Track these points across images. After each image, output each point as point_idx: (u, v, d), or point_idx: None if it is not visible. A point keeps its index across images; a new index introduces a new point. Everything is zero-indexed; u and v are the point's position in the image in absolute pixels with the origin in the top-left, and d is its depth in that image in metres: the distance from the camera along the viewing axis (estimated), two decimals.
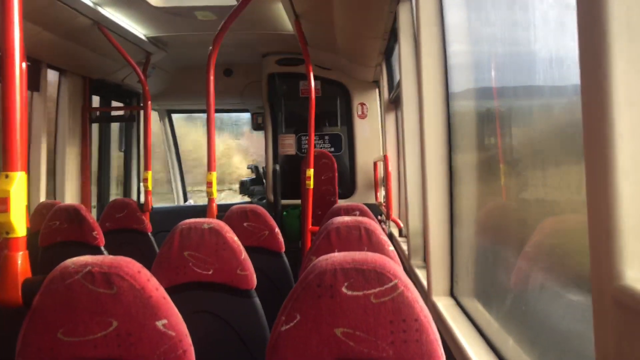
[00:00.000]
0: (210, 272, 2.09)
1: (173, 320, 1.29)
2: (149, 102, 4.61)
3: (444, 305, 1.93)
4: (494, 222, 1.70)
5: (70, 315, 1.27)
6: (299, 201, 4.73)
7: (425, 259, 2.19)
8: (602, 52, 0.69)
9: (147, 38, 4.42)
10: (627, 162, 0.68)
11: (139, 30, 4.27)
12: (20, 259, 1.44)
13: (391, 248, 1.90)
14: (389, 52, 3.96)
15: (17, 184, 1.43)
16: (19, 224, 1.44)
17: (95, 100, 5.11)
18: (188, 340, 1.32)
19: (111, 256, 1.32)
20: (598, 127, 0.71)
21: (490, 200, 1.76)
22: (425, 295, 2.15)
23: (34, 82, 3.99)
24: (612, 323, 0.67)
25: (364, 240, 1.87)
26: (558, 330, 1.20)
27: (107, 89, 5.14)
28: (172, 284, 2.07)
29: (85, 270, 1.27)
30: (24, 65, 1.49)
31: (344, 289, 1.21)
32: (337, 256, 1.25)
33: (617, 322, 0.66)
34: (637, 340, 0.63)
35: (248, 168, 6.37)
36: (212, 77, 3.36)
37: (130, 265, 1.30)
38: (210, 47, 3.41)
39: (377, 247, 1.86)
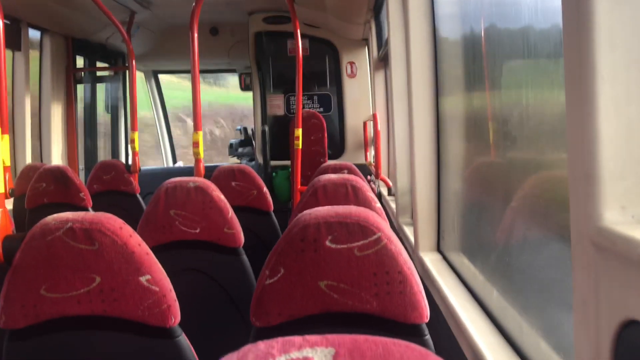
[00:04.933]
0: (197, 231, 2.08)
1: (156, 275, 1.29)
2: (134, 62, 4.52)
3: (431, 260, 1.94)
4: (481, 178, 1.70)
5: (52, 272, 1.26)
6: (288, 162, 4.70)
7: (413, 216, 2.20)
8: None
9: None
10: (608, 103, 0.67)
11: None
12: (0, 216, 1.43)
13: (378, 205, 1.90)
14: (378, 8, 3.88)
15: None
16: None
17: (80, 62, 5.01)
18: (172, 295, 1.31)
19: (93, 212, 1.31)
20: (579, 70, 0.69)
21: (478, 157, 1.76)
22: (413, 251, 2.16)
23: (15, 41, 3.90)
24: (590, 265, 0.67)
25: (351, 197, 1.87)
26: (542, 280, 1.20)
27: (91, 49, 5.03)
28: (159, 243, 2.06)
29: (67, 227, 1.26)
30: (0, 23, 1.44)
31: (327, 243, 1.20)
32: (320, 210, 1.24)
33: (595, 264, 0.66)
34: (614, 281, 0.63)
35: (237, 130, 6.31)
36: (196, 35, 3.28)
37: (112, 222, 1.29)
38: (194, 4, 3.32)
39: (364, 204, 1.85)
